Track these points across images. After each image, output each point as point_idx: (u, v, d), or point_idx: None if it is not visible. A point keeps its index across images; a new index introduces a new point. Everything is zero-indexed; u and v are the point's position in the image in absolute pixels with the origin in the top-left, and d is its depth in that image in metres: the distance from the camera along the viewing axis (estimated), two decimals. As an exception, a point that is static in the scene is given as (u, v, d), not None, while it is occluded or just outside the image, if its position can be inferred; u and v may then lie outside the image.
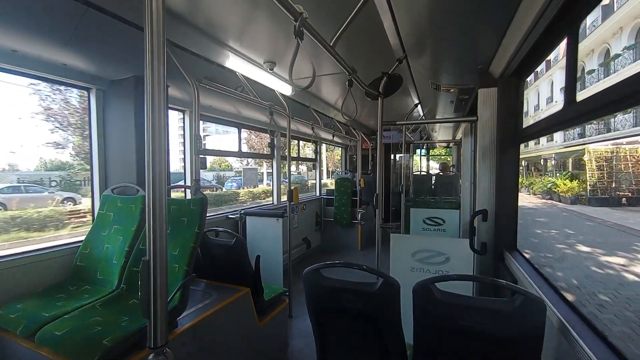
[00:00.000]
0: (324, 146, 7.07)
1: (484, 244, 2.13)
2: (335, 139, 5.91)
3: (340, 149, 7.26)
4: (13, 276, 1.82)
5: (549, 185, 15.48)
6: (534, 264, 1.74)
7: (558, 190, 14.35)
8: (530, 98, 20.75)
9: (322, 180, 5.75)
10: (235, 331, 2.09)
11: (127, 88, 2.26)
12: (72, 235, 3.39)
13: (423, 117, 4.56)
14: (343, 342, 1.47)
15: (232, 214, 3.45)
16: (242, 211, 3.45)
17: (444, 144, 9.39)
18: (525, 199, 16.16)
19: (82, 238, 2.12)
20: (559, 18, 1.26)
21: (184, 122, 3.03)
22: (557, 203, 14.29)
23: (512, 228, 2.06)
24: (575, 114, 1.17)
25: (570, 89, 1.20)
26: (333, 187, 6.03)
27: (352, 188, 5.80)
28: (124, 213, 2.10)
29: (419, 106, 4.11)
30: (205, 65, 2.41)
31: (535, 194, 17.19)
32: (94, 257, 2.03)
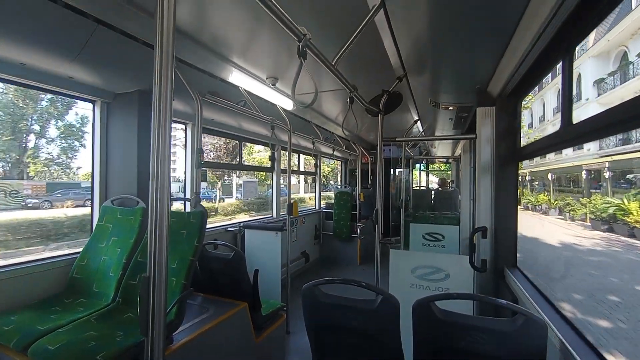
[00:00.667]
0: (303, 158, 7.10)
1: (484, 261, 2.12)
2: (336, 153, 5.95)
3: (334, 161, 7.24)
4: (8, 287, 1.79)
5: (608, 208, 8.46)
6: (534, 282, 1.73)
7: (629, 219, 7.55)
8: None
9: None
10: (231, 347, 2.04)
11: (131, 101, 2.30)
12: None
13: (422, 134, 4.61)
14: (341, 359, 1.45)
15: (231, 227, 3.44)
16: (242, 224, 3.44)
17: (443, 160, 9.45)
18: (562, 229, 9.66)
19: (79, 250, 2.11)
20: (555, 42, 1.30)
21: (185, 135, 3.06)
22: (628, 239, 7.49)
23: (512, 245, 2.06)
24: (571, 135, 1.19)
25: (566, 110, 1.22)
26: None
27: (352, 202, 5.79)
28: (123, 225, 2.09)
29: (419, 122, 4.17)
30: (209, 80, 2.46)
31: (574, 220, 10.12)
32: (90, 269, 2.01)
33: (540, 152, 1.67)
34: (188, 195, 2.94)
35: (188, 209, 2.97)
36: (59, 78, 2.01)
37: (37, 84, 1.97)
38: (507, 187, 2.06)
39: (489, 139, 2.15)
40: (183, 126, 3.09)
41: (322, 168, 6.44)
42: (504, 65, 1.72)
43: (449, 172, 11.42)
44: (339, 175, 7.08)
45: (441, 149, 7.01)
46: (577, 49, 1.22)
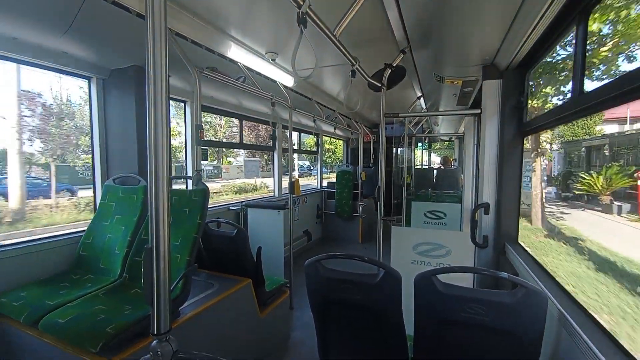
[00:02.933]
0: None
1: (486, 237, 2.13)
2: (337, 131, 5.88)
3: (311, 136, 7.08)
4: (17, 264, 1.83)
5: None
6: (534, 256, 1.74)
7: None
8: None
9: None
10: (237, 321, 2.10)
11: (127, 77, 2.24)
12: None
13: (425, 110, 4.52)
14: (344, 333, 1.48)
15: (233, 206, 3.46)
16: (244, 203, 3.45)
17: (446, 138, 9.34)
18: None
19: (85, 227, 2.13)
20: (569, 7, 1.23)
21: (185, 113, 3.01)
22: None
23: (514, 221, 2.06)
24: (584, 104, 1.15)
25: (578, 79, 1.18)
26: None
27: (353, 181, 5.79)
28: (126, 203, 2.10)
29: (422, 99, 4.08)
30: (206, 55, 2.38)
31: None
32: (96, 247, 2.04)
33: (549, 126, 1.63)
34: (189, 173, 2.94)
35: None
36: (53, 53, 1.95)
37: (32, 60, 1.91)
38: (512, 163, 2.04)
39: (495, 114, 2.10)
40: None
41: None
42: (513, 34, 1.64)
43: (451, 151, 11.35)
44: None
45: (444, 127, 6.90)
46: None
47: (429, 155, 11.02)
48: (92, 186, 2.39)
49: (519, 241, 2.08)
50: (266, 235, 3.15)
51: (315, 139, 5.94)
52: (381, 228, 2.46)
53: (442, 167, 7.65)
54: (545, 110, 1.73)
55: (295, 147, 5.60)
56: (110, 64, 2.24)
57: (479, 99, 2.35)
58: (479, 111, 2.22)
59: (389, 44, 2.32)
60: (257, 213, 3.30)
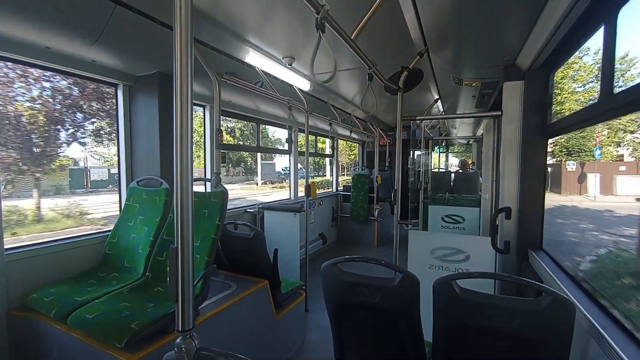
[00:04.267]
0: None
1: (507, 243, 2.07)
2: (353, 134, 5.88)
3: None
4: (48, 262, 1.94)
5: None
6: (561, 264, 1.67)
7: None
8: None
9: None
10: (253, 322, 2.13)
11: (151, 84, 2.33)
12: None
13: (443, 113, 4.45)
14: (360, 337, 1.47)
15: (250, 208, 3.51)
16: (260, 205, 3.50)
17: (464, 141, 9.13)
18: None
19: (110, 228, 2.23)
20: (597, 3, 1.19)
21: (204, 117, 3.10)
22: None
23: (538, 227, 1.99)
24: (612, 105, 1.11)
25: (607, 79, 1.13)
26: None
27: (369, 184, 5.76)
28: (149, 204, 2.18)
29: (439, 102, 4.02)
30: (225, 61, 2.45)
31: None
32: (121, 246, 2.12)
33: (574, 128, 1.57)
34: (208, 176, 3.01)
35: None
36: (83, 62, 2.06)
37: (63, 68, 2.03)
38: (535, 166, 1.97)
39: (516, 116, 2.04)
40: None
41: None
42: (537, 33, 1.60)
43: (469, 155, 11.09)
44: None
45: (462, 130, 6.76)
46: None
47: (447, 158, 10.81)
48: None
49: (543, 247, 2.00)
50: (282, 237, 3.18)
51: (331, 142, 5.95)
52: (398, 232, 2.44)
53: (460, 171, 7.48)
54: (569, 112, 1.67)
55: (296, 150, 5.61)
56: (136, 71, 2.34)
57: (498, 100, 2.29)
58: (499, 113, 2.17)
59: (406, 46, 2.31)
60: (274, 215, 3.34)
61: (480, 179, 5.95)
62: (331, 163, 6.37)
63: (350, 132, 5.55)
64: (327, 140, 6.46)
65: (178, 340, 0.78)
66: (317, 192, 5.42)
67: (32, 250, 1.89)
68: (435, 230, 3.96)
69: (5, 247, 1.78)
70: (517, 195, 2.09)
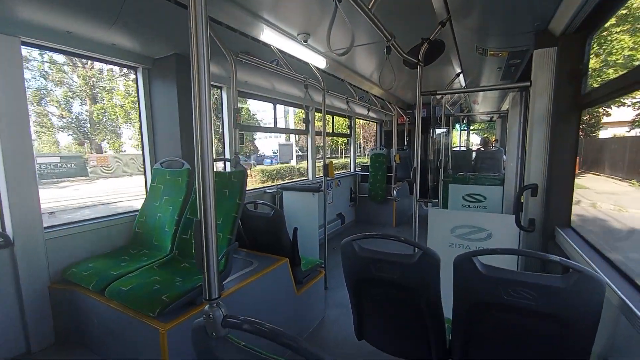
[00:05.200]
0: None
1: (532, 221, 2.00)
2: (370, 113, 5.75)
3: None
4: (83, 239, 2.08)
5: None
6: (591, 241, 1.61)
7: None
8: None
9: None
10: (275, 297, 2.21)
11: (169, 66, 2.35)
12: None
13: (465, 87, 4.24)
14: (380, 312, 1.50)
15: (269, 189, 3.57)
16: (279, 186, 3.55)
17: (486, 117, 8.74)
18: None
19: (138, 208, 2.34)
20: None
21: (221, 98, 3.11)
22: None
23: (566, 204, 1.90)
24: None
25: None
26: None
27: (387, 164, 5.68)
28: (172, 185, 2.25)
29: (461, 75, 3.82)
30: (240, 40, 2.42)
31: None
32: (149, 225, 2.23)
33: (612, 97, 1.45)
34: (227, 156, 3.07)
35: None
36: (104, 45, 2.11)
37: (85, 52, 2.08)
38: (566, 140, 1.86)
39: (547, 87, 1.91)
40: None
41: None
42: (573, -6, 1.46)
43: (492, 132, 10.63)
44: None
45: (485, 105, 6.45)
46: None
47: (468, 136, 10.42)
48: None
49: (572, 226, 1.93)
50: (301, 217, 3.22)
51: (348, 122, 5.86)
52: (417, 210, 2.41)
53: (482, 149, 7.21)
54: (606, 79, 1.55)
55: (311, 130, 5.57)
56: (154, 54, 2.36)
57: (527, 71, 2.15)
58: (527, 84, 2.04)
59: (427, 16, 2.19)
60: (293, 196, 3.38)
61: (504, 156, 5.72)
62: (348, 143, 6.30)
63: (368, 110, 5.43)
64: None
65: (206, 308, 0.82)
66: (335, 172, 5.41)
67: (69, 229, 2.03)
68: (455, 209, 3.89)
69: (44, 225, 1.92)
70: (544, 171, 1.99)
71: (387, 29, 1.81)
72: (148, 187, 2.43)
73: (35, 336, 1.87)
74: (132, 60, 2.33)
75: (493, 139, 7.66)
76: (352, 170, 6.26)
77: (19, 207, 1.80)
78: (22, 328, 1.85)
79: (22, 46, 1.80)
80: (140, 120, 2.51)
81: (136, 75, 2.46)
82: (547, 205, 1.97)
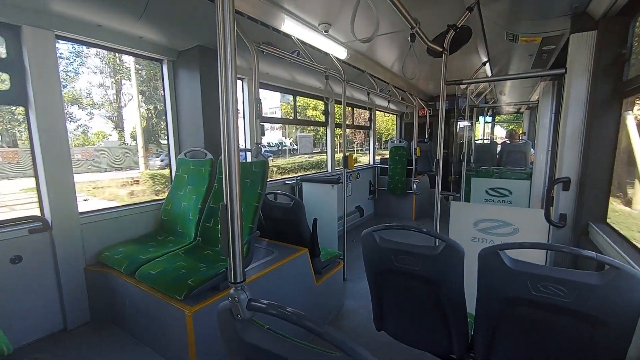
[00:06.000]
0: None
1: (563, 216, 1.91)
2: (391, 105, 5.64)
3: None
4: (115, 225, 2.20)
5: None
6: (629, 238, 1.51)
7: None
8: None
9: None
10: (294, 286, 2.24)
11: (192, 58, 2.40)
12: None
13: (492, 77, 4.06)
14: (400, 304, 1.49)
15: (289, 180, 3.60)
16: (299, 177, 3.57)
17: (513, 109, 8.34)
18: None
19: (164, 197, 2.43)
20: None
21: (242, 90, 3.15)
22: None
23: (602, 198, 1.80)
24: None
25: None
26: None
27: (407, 157, 5.58)
28: (196, 175, 2.32)
29: (488, 64, 3.66)
30: (262, 31, 2.42)
31: None
32: (174, 213, 2.32)
33: None
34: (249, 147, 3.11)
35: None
36: (132, 38, 2.18)
37: (114, 45, 2.17)
38: (605, 130, 1.75)
39: (584, 73, 1.80)
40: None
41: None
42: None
43: (520, 124, 10.16)
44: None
45: (512, 96, 6.16)
46: None
47: (492, 128, 10.02)
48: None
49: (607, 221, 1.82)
50: (320, 209, 3.23)
51: (368, 114, 5.78)
52: (438, 203, 2.36)
53: (508, 142, 6.92)
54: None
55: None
56: (178, 46, 2.42)
57: (561, 57, 2.02)
58: (562, 71, 1.93)
59: (453, 1, 2.10)
60: (312, 187, 3.39)
61: (532, 150, 5.47)
62: (368, 135, 6.22)
63: (389, 102, 5.32)
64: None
65: (232, 291, 0.84)
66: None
67: (102, 215, 2.14)
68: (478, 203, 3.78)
69: (79, 210, 2.04)
70: (578, 164, 1.89)
71: (411, 16, 1.75)
72: (173, 176, 2.51)
73: (71, 314, 2.01)
74: (158, 52, 2.39)
75: (520, 132, 7.32)
76: (371, 163, 6.19)
77: (56, 194, 1.92)
78: (60, 307, 1.98)
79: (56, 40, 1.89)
80: (165, 112, 2.59)
81: (161, 67, 2.53)
82: (580, 200, 1.87)
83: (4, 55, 1.77)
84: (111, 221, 2.18)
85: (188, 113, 2.54)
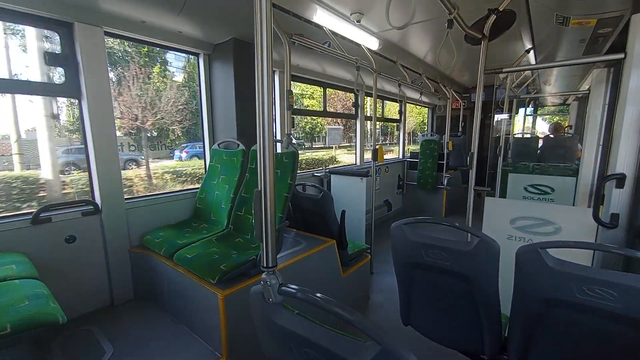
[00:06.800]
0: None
1: (615, 215, 1.75)
2: (423, 97, 5.45)
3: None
4: (155, 211, 2.35)
5: None
6: None
7: None
8: None
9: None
10: (321, 277, 2.27)
11: (226, 50, 2.48)
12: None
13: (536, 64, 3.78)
14: (429, 299, 1.46)
15: (317, 172, 3.62)
16: (327, 170, 3.58)
17: (559, 100, 7.71)
18: None
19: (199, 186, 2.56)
20: None
21: (274, 81, 3.20)
22: None
23: None
24: None
25: None
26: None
27: (439, 151, 5.38)
28: (228, 165, 2.41)
29: (532, 52, 3.41)
30: (293, 22, 2.43)
31: None
32: (207, 202, 2.43)
33: None
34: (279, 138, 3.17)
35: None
36: (172, 34, 2.29)
37: (157, 41, 2.30)
38: None
39: None
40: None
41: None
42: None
43: (566, 117, 9.40)
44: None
45: (558, 86, 5.70)
46: None
47: (533, 122, 9.35)
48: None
49: None
50: (348, 201, 3.23)
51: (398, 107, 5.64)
52: (472, 198, 2.26)
53: (551, 136, 6.42)
54: None
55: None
56: (214, 39, 2.50)
57: (618, 42, 1.83)
58: (620, 56, 1.74)
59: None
60: (340, 180, 3.39)
61: (579, 145, 5.04)
62: (398, 129, 6.07)
63: (421, 94, 5.15)
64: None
65: (264, 275, 0.87)
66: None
67: (144, 201, 2.30)
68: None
69: (125, 197, 2.20)
70: (635, 160, 1.71)
71: (450, 0, 1.67)
72: (207, 166, 2.63)
73: (117, 291, 2.19)
74: (196, 46, 2.49)
75: (565, 125, 6.76)
76: (401, 156, 6.05)
77: (104, 180, 2.08)
78: (108, 284, 2.17)
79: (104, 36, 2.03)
80: (201, 105, 2.70)
81: (198, 61, 2.63)
82: (637, 198, 1.70)
83: (58, 51, 1.93)
84: (152, 207, 2.33)
85: (222, 105, 2.63)
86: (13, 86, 2.01)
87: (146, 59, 3.94)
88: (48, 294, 1.29)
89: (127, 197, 2.25)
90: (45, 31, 2.02)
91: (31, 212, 1.86)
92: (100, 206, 2.09)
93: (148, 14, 2.02)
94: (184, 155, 5.41)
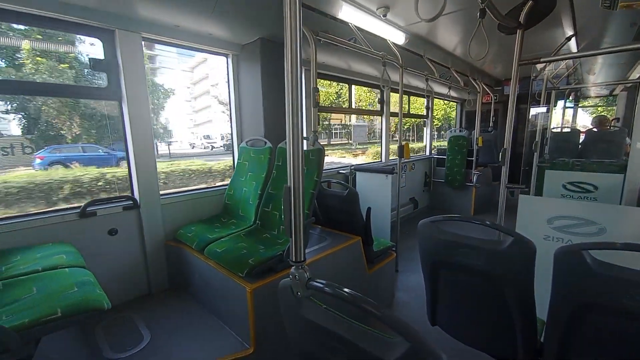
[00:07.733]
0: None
1: None
2: (451, 92, 5.26)
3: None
4: (187, 206, 2.48)
5: None
6: None
7: None
8: None
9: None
10: (347, 273, 2.28)
11: (254, 50, 2.54)
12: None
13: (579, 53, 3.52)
14: (457, 300, 1.42)
15: (342, 169, 3.62)
16: (352, 167, 3.57)
17: (604, 91, 7.12)
18: None
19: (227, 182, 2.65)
20: None
21: (301, 79, 3.23)
22: None
23: None
24: None
25: None
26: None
27: (468, 147, 5.17)
28: (256, 162, 2.47)
29: (573, 39, 3.17)
30: (319, 19, 2.44)
31: None
32: (236, 198, 2.51)
33: None
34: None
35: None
36: (202, 36, 2.39)
37: (188, 44, 2.41)
38: None
39: None
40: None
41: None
42: None
43: (612, 109, 8.67)
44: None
45: (603, 75, 5.27)
46: None
47: (574, 115, 8.72)
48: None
49: None
50: (373, 199, 3.20)
51: (425, 102, 5.49)
52: (504, 196, 2.16)
53: (595, 130, 5.95)
54: None
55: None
56: (241, 40, 2.57)
57: None
58: None
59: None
60: (366, 177, 3.37)
61: (627, 139, 4.64)
62: (425, 125, 5.91)
63: (449, 89, 4.97)
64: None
65: (292, 269, 0.89)
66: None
67: (177, 197, 2.43)
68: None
69: (160, 192, 2.33)
70: None
71: None
72: (235, 164, 2.72)
73: (154, 281, 2.33)
74: (225, 47, 2.58)
75: (611, 118, 6.24)
76: (427, 153, 5.89)
77: (142, 177, 2.22)
78: (146, 274, 2.31)
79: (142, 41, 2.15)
80: (230, 104, 2.80)
81: (227, 61, 2.72)
82: None
83: (101, 57, 2.07)
84: (185, 203, 2.46)
85: (249, 104, 2.70)
86: (61, 90, 2.20)
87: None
88: (94, 282, 1.40)
89: (163, 193, 2.38)
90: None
91: (79, 206, 2.03)
92: (138, 201, 2.23)
93: (181, 19, 2.11)
94: (37, 161, 3.62)
